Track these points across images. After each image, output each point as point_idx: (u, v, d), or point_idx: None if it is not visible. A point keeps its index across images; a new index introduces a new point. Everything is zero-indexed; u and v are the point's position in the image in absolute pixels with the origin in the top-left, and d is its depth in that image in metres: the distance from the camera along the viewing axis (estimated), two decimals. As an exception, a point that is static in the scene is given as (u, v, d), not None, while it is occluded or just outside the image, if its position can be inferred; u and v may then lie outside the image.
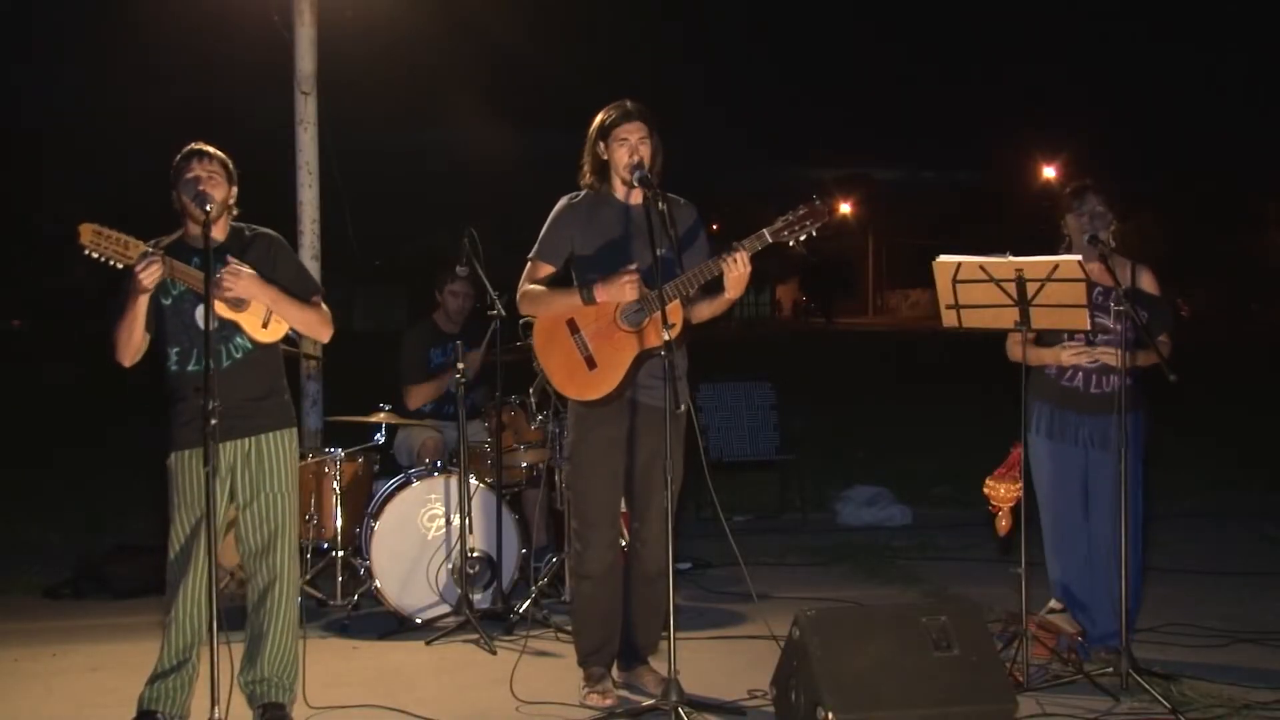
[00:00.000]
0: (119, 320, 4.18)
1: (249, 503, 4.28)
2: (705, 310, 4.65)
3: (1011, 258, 4.73)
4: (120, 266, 4.08)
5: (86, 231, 4.03)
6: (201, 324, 4.20)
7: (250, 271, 4.21)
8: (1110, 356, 4.94)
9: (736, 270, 4.42)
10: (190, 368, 4.24)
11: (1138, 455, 4.98)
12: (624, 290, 4.50)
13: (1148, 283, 5.06)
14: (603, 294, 4.53)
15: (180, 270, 4.13)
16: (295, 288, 4.35)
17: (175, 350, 4.26)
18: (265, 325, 4.28)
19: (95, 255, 4.04)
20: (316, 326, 4.42)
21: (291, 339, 4.60)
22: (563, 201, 4.77)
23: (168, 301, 4.26)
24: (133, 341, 4.20)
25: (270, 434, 4.31)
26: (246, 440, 4.26)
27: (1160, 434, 5.36)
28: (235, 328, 4.25)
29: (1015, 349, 5.12)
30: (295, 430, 4.43)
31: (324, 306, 4.47)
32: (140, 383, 4.46)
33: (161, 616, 4.29)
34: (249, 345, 4.28)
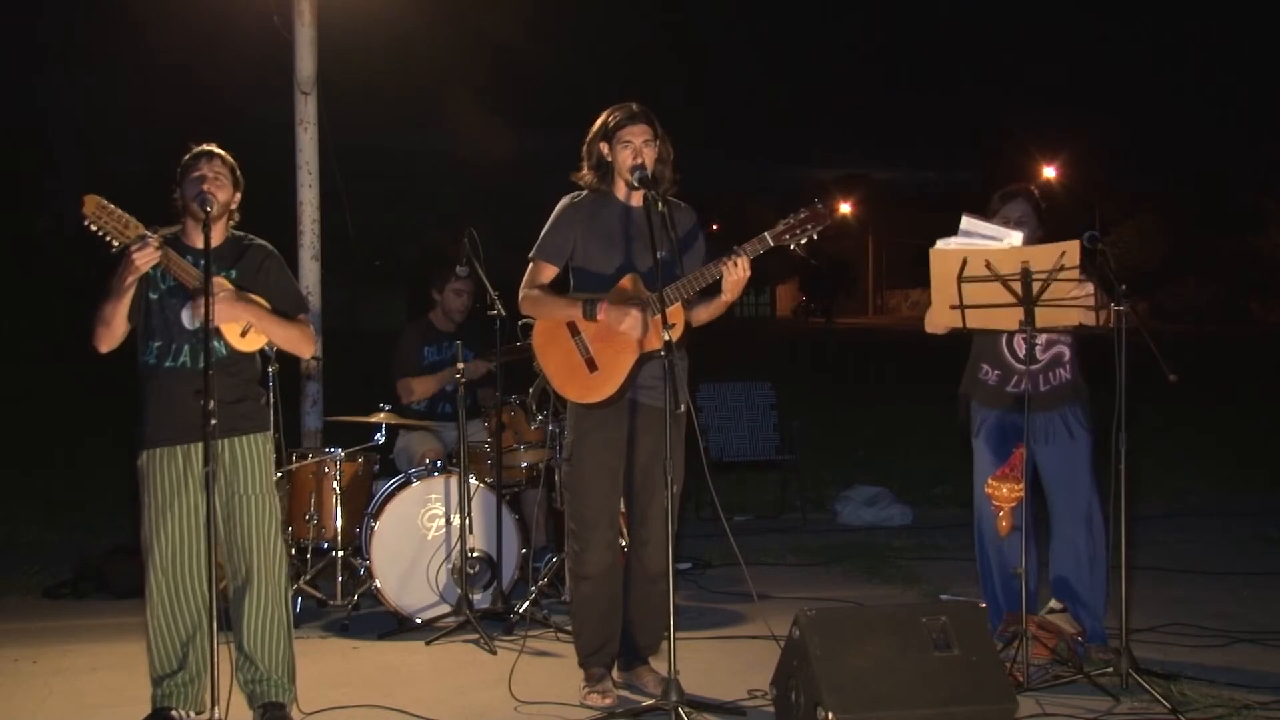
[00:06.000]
0: (103, 303, 4.17)
1: (223, 504, 4.28)
2: (703, 313, 4.64)
3: (1013, 234, 4.72)
4: (116, 245, 4.07)
5: (91, 202, 4.02)
6: (186, 323, 4.25)
7: (227, 293, 4.19)
8: (1090, 313, 4.81)
9: (736, 274, 4.43)
10: (167, 364, 4.26)
11: (1092, 444, 5.04)
12: (626, 323, 4.48)
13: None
14: (605, 316, 4.52)
15: (175, 263, 4.13)
16: (281, 303, 4.38)
17: (155, 344, 4.27)
18: (244, 335, 4.30)
19: (95, 229, 4.04)
20: (298, 343, 4.45)
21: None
22: (564, 201, 4.76)
23: (154, 296, 4.27)
24: (113, 326, 4.20)
25: (242, 437, 4.31)
26: (218, 442, 4.24)
27: (1160, 433, 5.35)
28: (214, 332, 4.24)
29: (936, 318, 4.93)
30: (269, 434, 4.44)
31: (309, 325, 4.49)
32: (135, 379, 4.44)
33: (145, 619, 4.28)
34: (223, 351, 4.27)
